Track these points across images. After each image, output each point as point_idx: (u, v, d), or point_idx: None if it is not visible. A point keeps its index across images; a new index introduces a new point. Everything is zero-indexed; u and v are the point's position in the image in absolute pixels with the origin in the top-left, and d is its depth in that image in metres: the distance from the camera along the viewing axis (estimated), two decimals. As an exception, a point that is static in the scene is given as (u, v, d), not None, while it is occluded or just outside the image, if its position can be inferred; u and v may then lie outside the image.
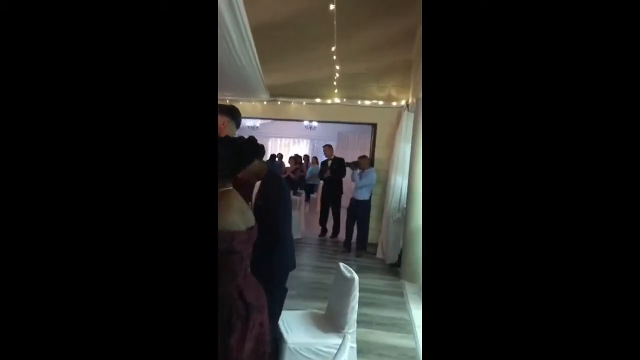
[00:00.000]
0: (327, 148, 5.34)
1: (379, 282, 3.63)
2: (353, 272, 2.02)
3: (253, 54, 3.59)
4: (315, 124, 11.62)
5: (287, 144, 13.19)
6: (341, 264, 2.13)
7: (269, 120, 12.44)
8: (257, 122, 12.24)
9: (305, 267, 3.96)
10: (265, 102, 4.93)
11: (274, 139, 13.74)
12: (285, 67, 4.61)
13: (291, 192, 5.82)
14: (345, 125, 9.66)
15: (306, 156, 8.28)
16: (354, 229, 4.60)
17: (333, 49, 3.77)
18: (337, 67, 4.22)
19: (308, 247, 4.83)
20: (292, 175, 6.49)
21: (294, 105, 4.93)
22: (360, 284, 3.63)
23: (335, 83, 4.53)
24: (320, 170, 5.61)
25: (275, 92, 4.82)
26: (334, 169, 5.10)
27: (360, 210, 4.45)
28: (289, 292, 3.16)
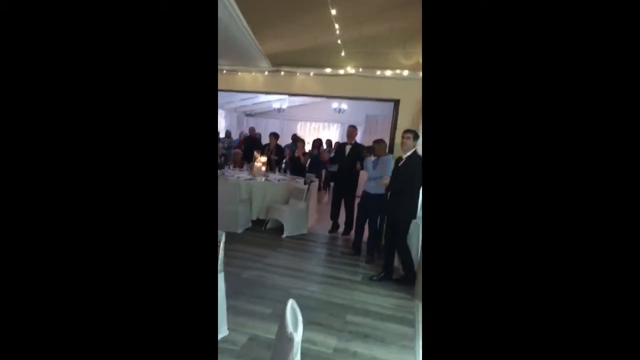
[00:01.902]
0: (352, 129, 4.52)
1: (386, 301, 2.83)
2: (298, 319, 1.24)
3: (236, 14, 2.90)
4: (344, 106, 10.81)
5: (316, 128, 12.54)
6: (290, 302, 1.35)
7: (296, 102, 11.92)
8: (284, 105, 11.70)
9: (300, 273, 3.25)
10: (266, 73, 4.19)
11: (302, 122, 13.18)
12: (286, 30, 3.80)
13: (303, 180, 5.13)
14: (374, 107, 8.72)
15: (328, 141, 7.44)
16: (366, 228, 3.79)
17: (333, 12, 2.90)
18: (337, 30, 3.33)
19: (312, 246, 4.10)
20: (302, 159, 5.73)
21: (300, 77, 4.16)
22: (362, 302, 2.89)
23: (342, 48, 3.65)
24: (334, 156, 4.79)
25: (278, 61, 4.06)
26: (352, 156, 4.29)
27: (372, 207, 3.63)
28: (262, 311, 2.49)
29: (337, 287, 3.00)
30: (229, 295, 2.61)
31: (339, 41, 3.61)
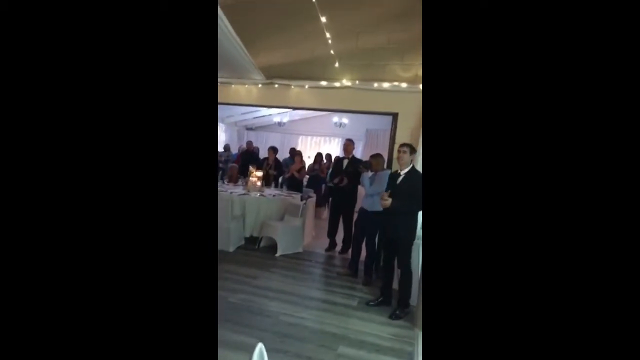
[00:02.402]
0: (349, 143, 4.34)
1: (383, 329, 2.59)
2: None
3: (224, 25, 2.83)
4: (345, 120, 10.74)
5: (317, 142, 12.47)
6: (258, 347, 1.16)
7: (297, 117, 11.87)
8: (284, 118, 11.67)
9: (291, 296, 3.02)
10: (260, 85, 4.07)
11: (304, 136, 13.13)
12: (280, 42, 3.70)
13: (300, 196, 4.95)
14: (375, 121, 8.59)
15: (328, 155, 7.28)
16: (363, 247, 3.58)
17: (323, 20, 2.79)
18: (330, 41, 3.21)
19: (307, 266, 3.89)
20: (296, 175, 5.55)
21: (295, 90, 4.02)
22: (357, 331, 2.57)
23: (337, 60, 3.52)
24: (332, 171, 4.62)
25: (272, 73, 3.94)
26: (349, 171, 4.11)
27: (370, 224, 3.42)
28: (246, 342, 2.23)
29: (330, 312, 2.78)
30: (210, 323, 2.40)
31: (332, 52, 3.50)
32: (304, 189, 5.75)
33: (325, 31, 3.23)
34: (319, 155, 6.60)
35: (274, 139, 11.95)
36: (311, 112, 11.57)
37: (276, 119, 11.59)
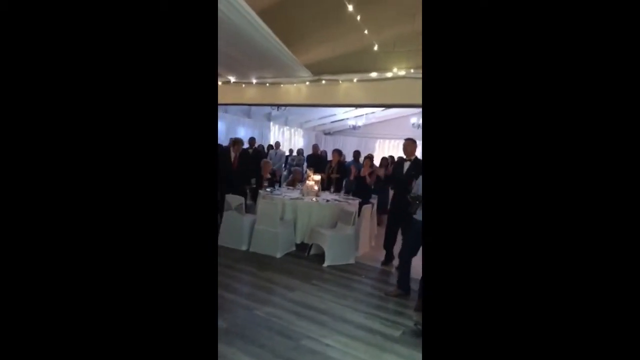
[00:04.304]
0: (409, 143, 3.82)
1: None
2: None
3: (262, 28, 2.74)
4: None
5: (395, 146, 11.82)
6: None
7: (373, 119, 11.42)
8: (359, 122, 11.38)
9: (324, 316, 2.66)
10: (307, 83, 3.83)
11: (381, 140, 12.63)
12: (323, 36, 3.39)
13: (358, 201, 4.55)
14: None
15: (391, 157, 6.68)
16: (415, 263, 3.02)
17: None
18: (382, 28, 2.76)
19: (354, 281, 3.46)
20: (368, 179, 5.13)
21: (344, 85, 3.67)
22: None
23: (375, 49, 3.03)
24: (391, 174, 4.12)
25: (319, 70, 3.66)
26: (412, 175, 3.59)
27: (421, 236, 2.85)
28: None
29: (362, 342, 2.33)
30: (222, 339, 2.20)
31: (374, 39, 3.04)
32: (372, 194, 5.33)
33: (375, 18, 2.82)
34: (384, 159, 6.08)
35: (351, 143, 11.76)
36: (388, 115, 11.05)
37: (351, 122, 11.36)
